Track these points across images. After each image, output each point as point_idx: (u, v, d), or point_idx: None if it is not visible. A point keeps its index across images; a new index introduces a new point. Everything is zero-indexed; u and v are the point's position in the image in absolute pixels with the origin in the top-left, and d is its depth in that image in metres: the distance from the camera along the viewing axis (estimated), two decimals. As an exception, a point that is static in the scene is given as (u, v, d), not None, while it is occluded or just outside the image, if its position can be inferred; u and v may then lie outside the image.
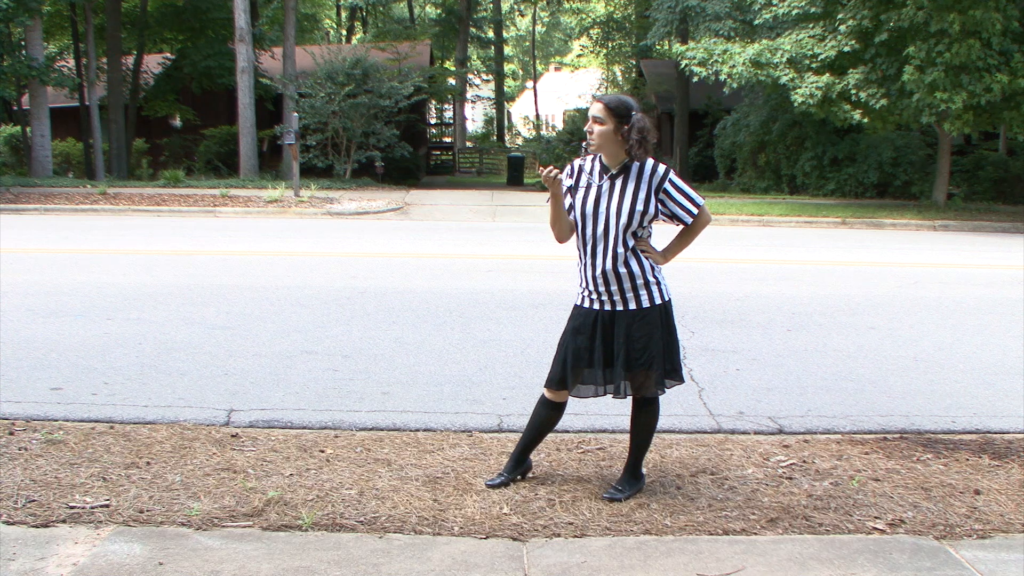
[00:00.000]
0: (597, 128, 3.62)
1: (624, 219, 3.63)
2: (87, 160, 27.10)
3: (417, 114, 28.33)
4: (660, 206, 3.69)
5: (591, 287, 3.73)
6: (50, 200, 17.81)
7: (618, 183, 3.66)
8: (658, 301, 3.72)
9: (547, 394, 3.91)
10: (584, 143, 3.72)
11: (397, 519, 3.53)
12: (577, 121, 30.55)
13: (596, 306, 3.73)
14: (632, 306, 3.69)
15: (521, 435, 4.04)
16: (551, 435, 4.24)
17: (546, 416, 3.95)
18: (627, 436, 3.96)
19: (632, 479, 3.89)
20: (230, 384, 5.49)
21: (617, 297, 3.69)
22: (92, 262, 10.30)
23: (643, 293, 3.69)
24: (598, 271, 3.68)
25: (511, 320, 7.44)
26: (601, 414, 4.87)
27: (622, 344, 3.68)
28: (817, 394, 5.55)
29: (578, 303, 3.81)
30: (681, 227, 3.83)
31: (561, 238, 3.81)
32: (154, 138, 29.34)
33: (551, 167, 3.59)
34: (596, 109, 3.64)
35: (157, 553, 3.18)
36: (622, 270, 3.66)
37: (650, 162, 3.69)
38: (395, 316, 7.51)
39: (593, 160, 3.73)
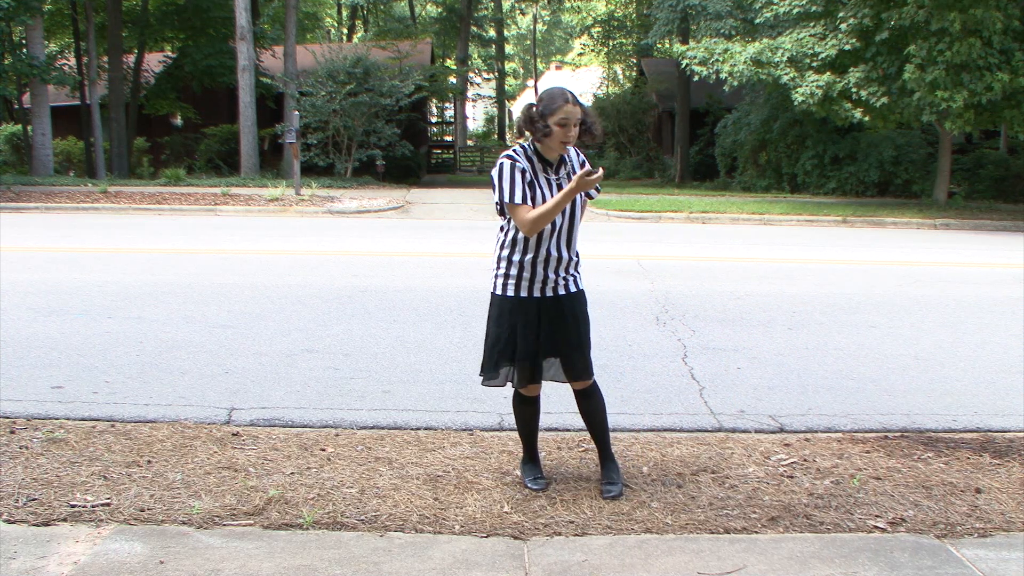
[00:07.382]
0: (575, 130, 3.67)
1: (579, 206, 3.77)
2: (88, 159, 27.12)
3: (418, 113, 28.34)
4: None
5: (541, 273, 3.73)
6: (51, 199, 17.82)
7: (563, 172, 3.76)
8: (582, 285, 3.89)
9: (523, 392, 3.90)
10: (584, 140, 3.76)
11: (398, 517, 3.53)
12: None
13: (537, 293, 3.76)
14: (573, 288, 3.82)
15: (521, 438, 4.04)
16: (551, 434, 4.23)
17: (530, 412, 3.97)
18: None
19: (614, 465, 3.92)
20: (231, 382, 5.49)
21: (563, 280, 3.79)
22: (93, 261, 10.30)
23: (578, 275, 3.86)
24: (553, 258, 3.73)
25: (512, 319, 7.43)
26: (602, 413, 4.86)
27: (571, 324, 3.77)
28: (818, 392, 5.55)
29: (511, 294, 3.78)
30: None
31: (535, 231, 3.66)
32: (155, 136, 29.37)
33: (599, 168, 3.63)
34: (578, 112, 3.65)
35: (158, 551, 3.18)
36: (575, 256, 3.83)
37: (571, 149, 3.82)
38: (396, 314, 7.51)
39: (524, 152, 3.71)
